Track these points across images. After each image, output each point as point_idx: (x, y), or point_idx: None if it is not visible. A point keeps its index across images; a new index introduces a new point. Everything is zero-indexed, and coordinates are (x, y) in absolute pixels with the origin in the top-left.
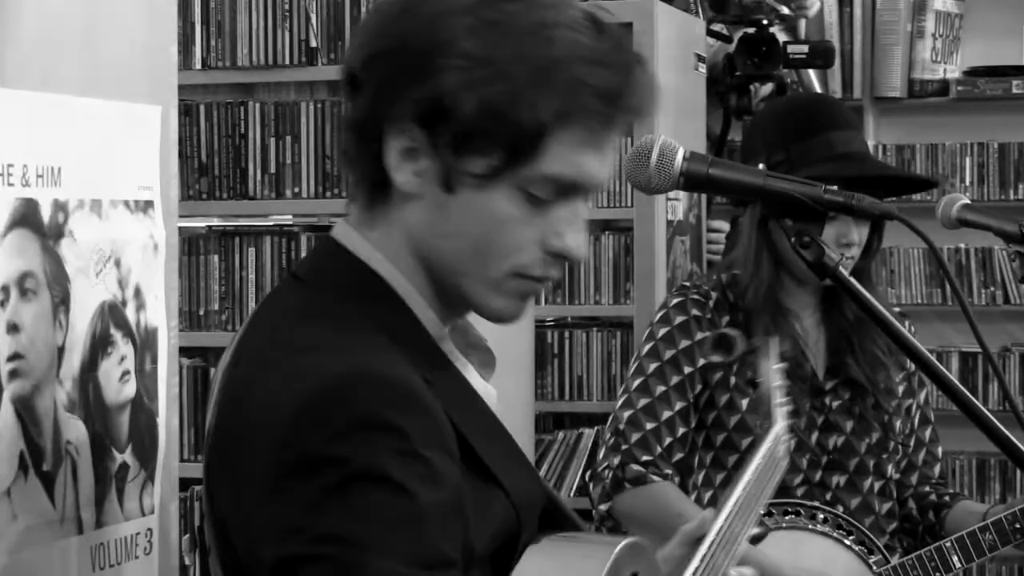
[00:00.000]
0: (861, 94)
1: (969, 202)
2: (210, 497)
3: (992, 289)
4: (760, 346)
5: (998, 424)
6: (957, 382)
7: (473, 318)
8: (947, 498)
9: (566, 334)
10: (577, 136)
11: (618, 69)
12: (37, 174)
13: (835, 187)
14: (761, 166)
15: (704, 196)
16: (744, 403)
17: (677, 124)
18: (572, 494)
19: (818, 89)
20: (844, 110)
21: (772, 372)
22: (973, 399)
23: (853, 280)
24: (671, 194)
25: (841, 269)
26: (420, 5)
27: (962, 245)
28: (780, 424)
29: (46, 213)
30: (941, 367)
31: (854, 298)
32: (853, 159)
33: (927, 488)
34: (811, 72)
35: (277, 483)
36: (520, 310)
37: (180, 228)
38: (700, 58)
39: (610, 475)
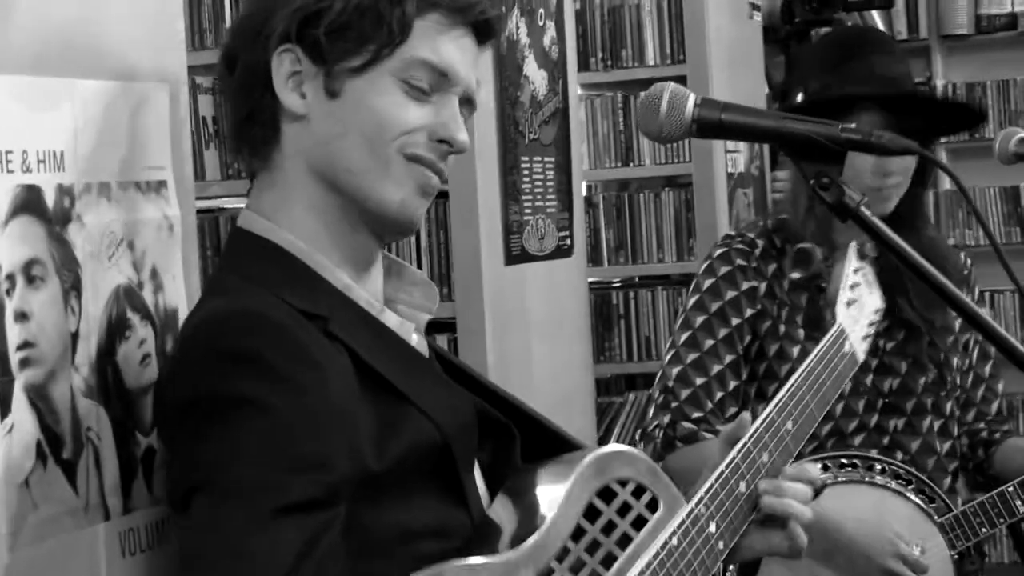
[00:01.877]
0: (927, 33)
1: None
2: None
3: None
4: (839, 253)
5: None
6: (996, 325)
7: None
8: (998, 435)
9: (631, 294)
10: (436, 22)
11: None
12: (39, 159)
13: (852, 125)
14: (800, 96)
15: (768, 146)
16: (795, 351)
17: (733, 74)
18: None
19: (882, 30)
20: (890, 41)
21: (845, 272)
22: (1014, 342)
23: (877, 220)
24: (730, 146)
25: (863, 209)
26: None
27: None
28: (841, 322)
29: (50, 198)
30: (977, 309)
31: (878, 238)
32: (894, 82)
33: (981, 424)
34: (874, 14)
35: (172, 432)
36: (421, 205)
37: (223, 208)
38: (755, 6)
39: (661, 433)
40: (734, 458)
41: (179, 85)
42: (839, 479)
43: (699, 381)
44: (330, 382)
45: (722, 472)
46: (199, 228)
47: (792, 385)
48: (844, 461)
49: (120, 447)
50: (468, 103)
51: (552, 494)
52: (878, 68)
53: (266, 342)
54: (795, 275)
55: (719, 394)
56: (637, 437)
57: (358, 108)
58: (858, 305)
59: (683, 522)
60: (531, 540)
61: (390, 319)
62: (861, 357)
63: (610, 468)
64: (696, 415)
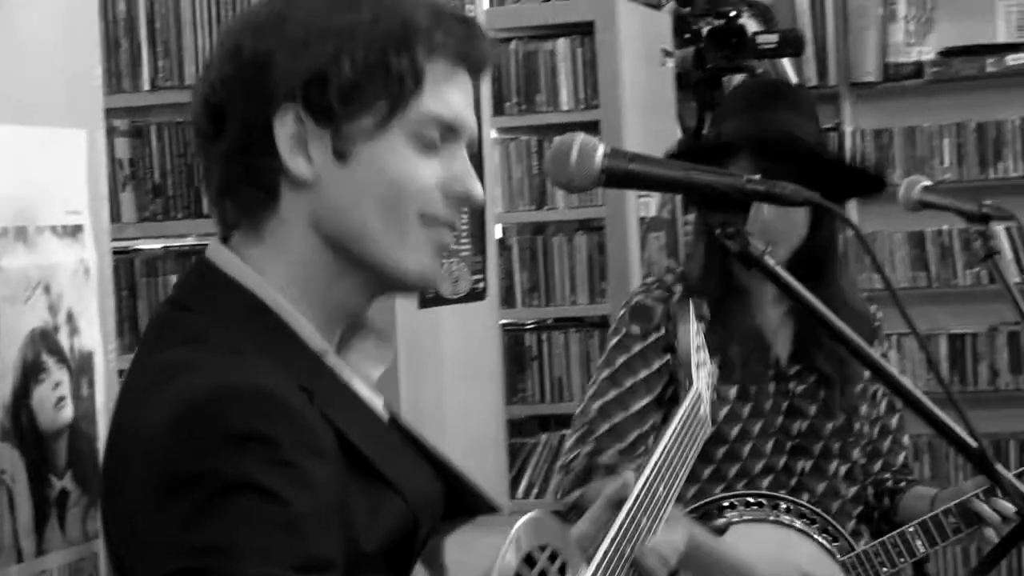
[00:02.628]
0: (837, 80)
1: (929, 183)
2: (104, 523)
3: (977, 269)
4: (678, 312)
5: (940, 413)
6: (890, 368)
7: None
8: (903, 484)
9: (544, 336)
10: (443, 75)
11: (459, 19)
12: None
13: (757, 176)
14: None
15: None
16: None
17: (646, 119)
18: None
19: (792, 77)
20: (794, 92)
21: (690, 335)
22: (915, 391)
23: (780, 269)
24: (643, 191)
25: (767, 259)
26: (259, 21)
27: (944, 227)
28: (698, 384)
29: None
30: (882, 362)
31: (780, 286)
32: (777, 137)
33: (887, 475)
34: (785, 61)
35: (155, 503)
36: (436, 268)
37: (138, 250)
38: (668, 53)
39: (581, 464)
40: (623, 523)
41: (96, 130)
42: (744, 517)
43: (619, 416)
44: (329, 467)
45: (614, 538)
46: (114, 270)
47: (664, 449)
48: (751, 500)
49: (34, 489)
50: (469, 146)
51: (483, 561)
52: (772, 123)
53: (280, 428)
54: (635, 329)
55: (636, 431)
56: (556, 469)
57: (371, 171)
58: (704, 368)
59: None
60: None
61: (361, 389)
62: (709, 421)
63: (537, 533)
64: (617, 446)
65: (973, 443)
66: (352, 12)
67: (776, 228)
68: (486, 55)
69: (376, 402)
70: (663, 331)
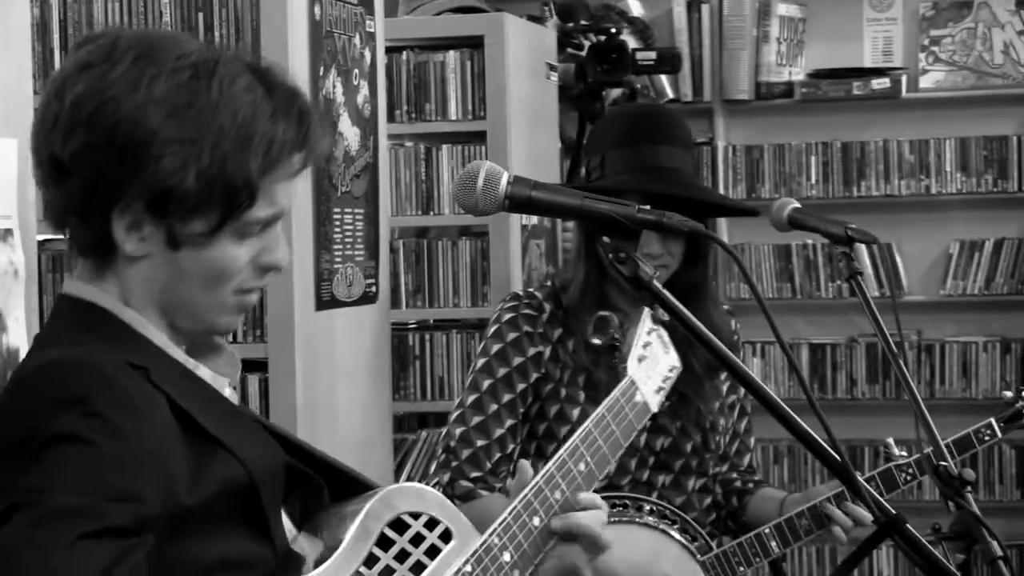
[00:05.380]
0: (711, 96)
1: (799, 206)
2: None
3: (839, 283)
4: (632, 317)
5: (802, 424)
6: (764, 386)
7: None
8: (751, 484)
9: (427, 336)
10: (274, 184)
11: (296, 119)
12: None
13: (647, 206)
14: (594, 162)
15: None
16: (575, 412)
17: (532, 130)
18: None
19: (669, 92)
20: (673, 125)
21: (639, 335)
22: (779, 402)
23: (666, 292)
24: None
25: (655, 283)
26: (116, 100)
27: (809, 241)
28: (633, 374)
29: None
30: (750, 373)
31: (667, 309)
32: (661, 175)
33: (734, 475)
34: (662, 76)
35: None
36: (237, 321)
37: (43, 243)
38: (552, 67)
39: (439, 491)
40: (526, 495)
41: (26, 141)
42: (611, 519)
43: (480, 443)
44: (149, 428)
45: (515, 507)
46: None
47: (584, 430)
48: (616, 502)
49: None
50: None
51: (347, 527)
52: (652, 159)
53: (93, 389)
54: (596, 341)
55: (497, 455)
56: None
57: (197, 260)
58: (651, 361)
59: (476, 551)
60: (325, 565)
61: (204, 373)
62: (655, 407)
63: (398, 502)
64: (474, 474)
65: (836, 456)
66: (201, 116)
67: (657, 254)
68: (321, 156)
69: (223, 387)
70: (531, 352)
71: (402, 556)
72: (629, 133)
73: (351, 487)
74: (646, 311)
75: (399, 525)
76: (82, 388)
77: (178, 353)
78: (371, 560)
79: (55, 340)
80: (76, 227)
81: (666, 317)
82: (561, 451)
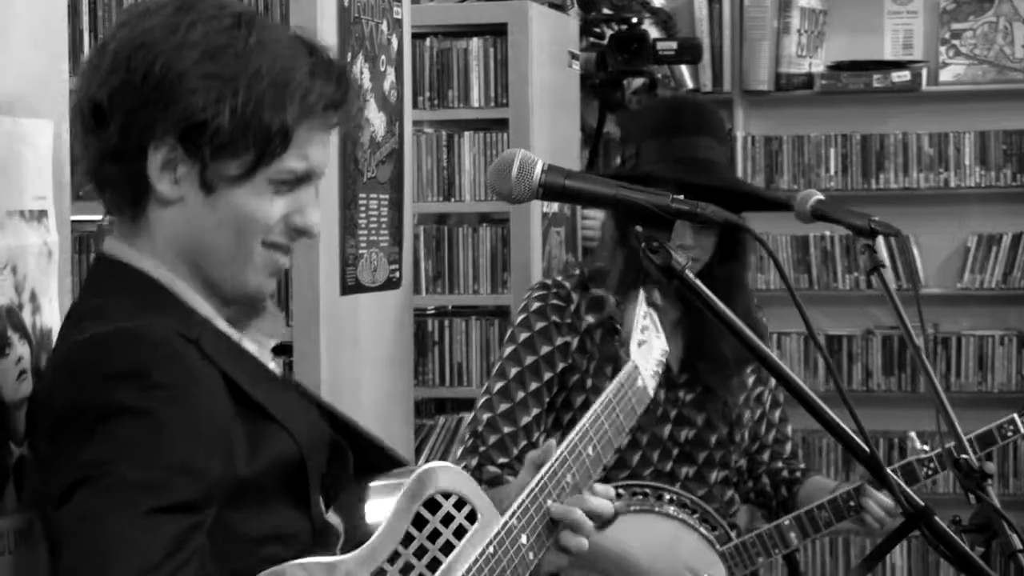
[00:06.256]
0: (730, 88)
1: (823, 197)
2: (30, 479)
3: (856, 274)
4: (628, 298)
5: (832, 415)
6: (797, 378)
7: None
8: (798, 473)
9: (446, 323)
10: (308, 134)
11: (335, 79)
12: None
13: (681, 196)
14: (630, 153)
15: None
16: None
17: (553, 118)
18: None
19: (689, 83)
20: (708, 116)
21: (636, 316)
22: (812, 394)
23: (699, 283)
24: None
25: (688, 273)
26: (154, 42)
27: (827, 232)
28: (635, 359)
29: None
30: (783, 366)
31: (699, 299)
32: (697, 166)
33: (779, 464)
34: (682, 67)
35: (53, 442)
36: (270, 285)
37: (73, 227)
38: (574, 55)
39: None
40: (543, 478)
41: (61, 122)
42: (631, 508)
43: (507, 430)
44: (208, 399)
45: (532, 490)
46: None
47: (592, 414)
48: (636, 490)
49: None
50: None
51: (384, 504)
52: (687, 150)
53: (149, 358)
54: (590, 319)
55: (523, 443)
56: None
57: (230, 206)
58: (648, 346)
59: (498, 532)
60: (367, 544)
61: (248, 345)
62: (651, 393)
63: (434, 481)
64: (502, 460)
65: (865, 448)
66: (241, 60)
67: (690, 245)
68: (353, 115)
69: (267, 359)
70: (558, 342)
71: (433, 535)
72: (666, 124)
73: (380, 459)
74: (641, 293)
75: (431, 504)
76: (140, 361)
77: (222, 323)
78: (407, 539)
79: (103, 310)
80: (113, 174)
81: (659, 302)
82: (572, 434)
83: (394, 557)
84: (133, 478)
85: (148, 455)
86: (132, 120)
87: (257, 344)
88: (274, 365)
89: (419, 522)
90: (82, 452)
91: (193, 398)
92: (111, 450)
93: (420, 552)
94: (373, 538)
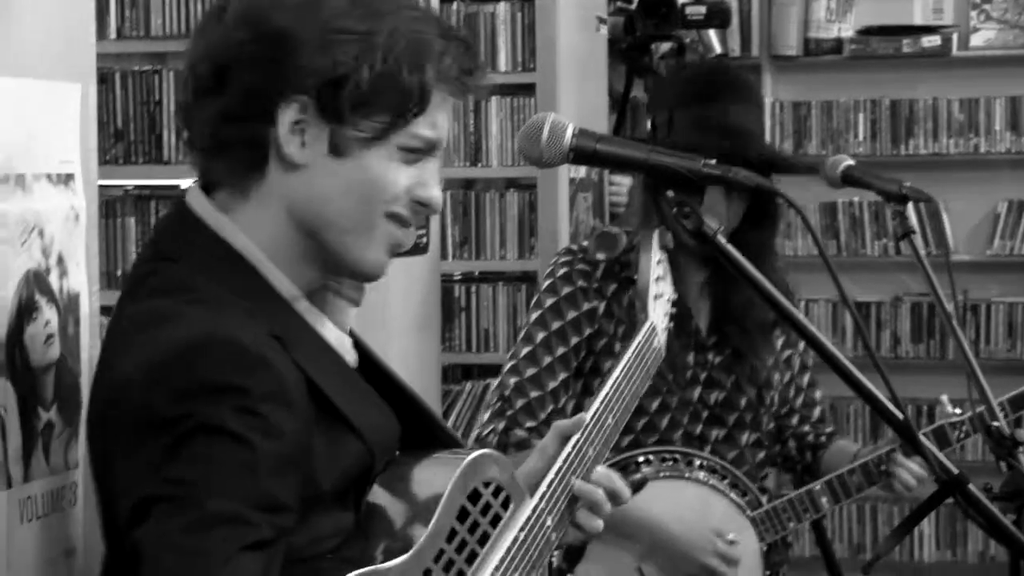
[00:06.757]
0: (759, 52)
1: (853, 163)
2: (91, 458)
3: (884, 241)
4: (641, 241)
5: (865, 381)
6: (826, 342)
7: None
8: (823, 438)
9: (473, 288)
10: (441, 100)
11: (464, 46)
12: None
13: (713, 160)
14: (662, 119)
15: None
16: None
17: (580, 83)
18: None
19: (717, 47)
20: (743, 83)
21: (650, 265)
22: (844, 359)
23: (731, 247)
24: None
25: (720, 237)
26: (284, 3)
27: (856, 198)
28: (653, 317)
29: None
30: (815, 331)
31: (731, 264)
32: (730, 133)
33: (806, 428)
34: (711, 31)
35: (134, 441)
36: (387, 264)
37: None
38: (602, 20)
39: (495, 439)
40: (569, 454)
41: (88, 85)
42: (661, 474)
43: (534, 394)
44: (296, 421)
45: (560, 468)
46: None
47: (615, 381)
48: (666, 456)
49: (24, 420)
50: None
51: (431, 494)
52: (719, 117)
53: (248, 378)
54: (600, 256)
55: (550, 407)
56: (472, 440)
57: (359, 170)
58: (662, 298)
59: (529, 518)
60: (418, 545)
61: (329, 333)
62: (663, 352)
63: (481, 471)
64: (529, 424)
65: (898, 414)
66: (375, 18)
67: (719, 211)
68: (481, 86)
69: (344, 344)
70: (585, 307)
71: (473, 527)
72: (702, 91)
73: (432, 435)
74: (655, 235)
75: (473, 494)
76: (236, 375)
77: (303, 304)
78: (451, 535)
79: (193, 288)
80: (232, 137)
81: (671, 245)
82: (596, 404)
83: (439, 555)
84: (221, 510)
85: (236, 486)
86: (260, 79)
87: (338, 328)
88: (352, 357)
89: (462, 515)
90: (167, 465)
91: (284, 422)
92: (197, 472)
93: (460, 547)
94: (424, 538)
